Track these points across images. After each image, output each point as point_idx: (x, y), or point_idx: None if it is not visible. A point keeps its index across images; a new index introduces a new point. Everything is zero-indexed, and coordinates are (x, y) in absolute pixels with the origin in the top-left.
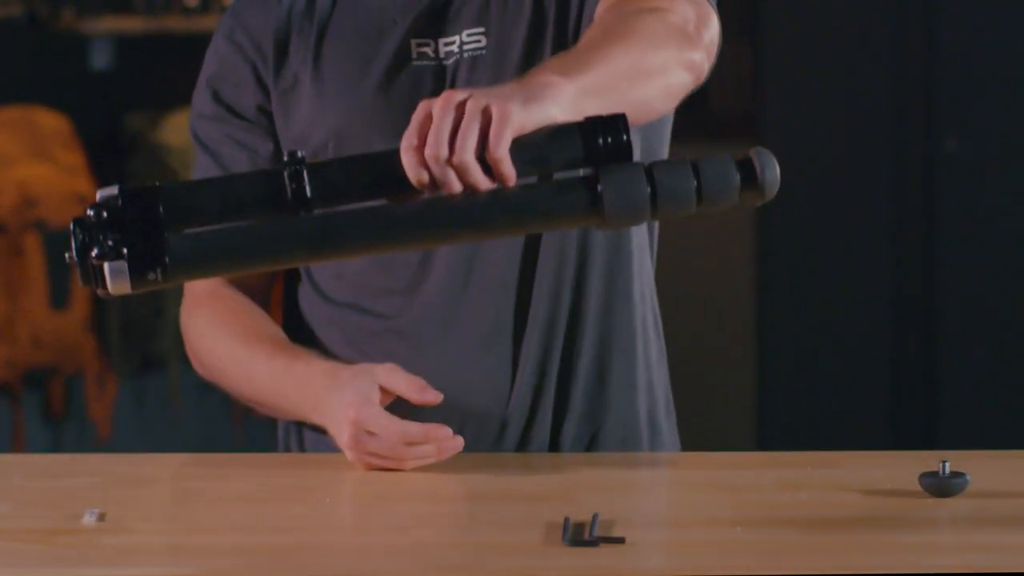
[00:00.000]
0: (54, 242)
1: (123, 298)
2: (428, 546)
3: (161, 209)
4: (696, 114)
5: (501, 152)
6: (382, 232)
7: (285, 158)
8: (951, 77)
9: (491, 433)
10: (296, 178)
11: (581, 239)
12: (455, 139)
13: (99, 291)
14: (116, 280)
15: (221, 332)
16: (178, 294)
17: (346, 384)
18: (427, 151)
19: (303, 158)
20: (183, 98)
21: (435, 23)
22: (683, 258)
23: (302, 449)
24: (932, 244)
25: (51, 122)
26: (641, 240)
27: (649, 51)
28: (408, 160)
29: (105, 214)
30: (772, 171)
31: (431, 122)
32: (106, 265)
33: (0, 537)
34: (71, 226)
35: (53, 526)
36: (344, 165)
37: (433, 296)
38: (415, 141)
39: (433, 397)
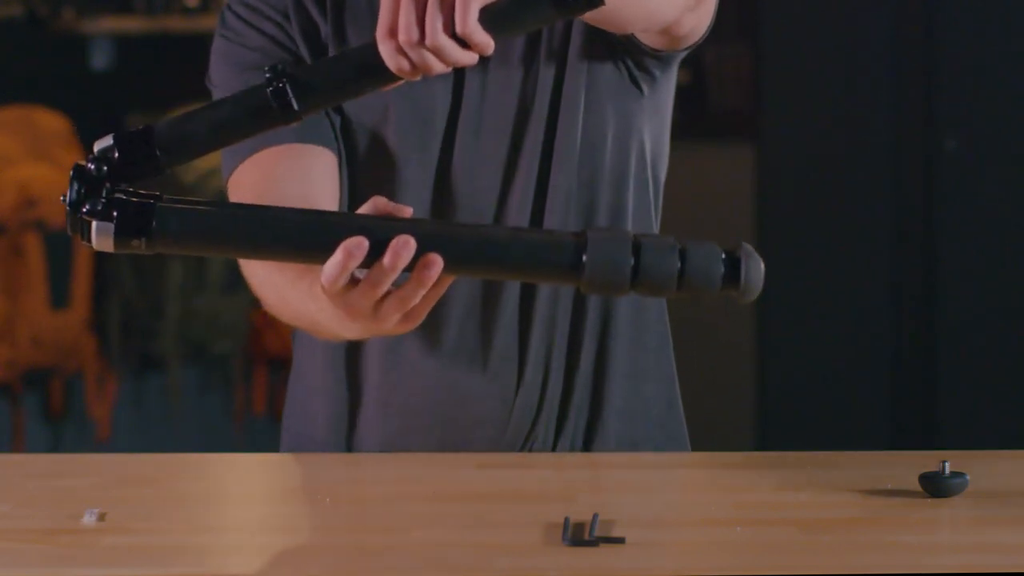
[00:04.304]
0: (54, 242)
1: (123, 298)
2: (428, 546)
3: (157, 151)
4: (696, 114)
5: (470, 27)
6: (368, 248)
7: (267, 75)
8: (951, 77)
9: (496, 433)
10: (280, 95)
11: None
12: (424, 21)
13: (83, 242)
14: (100, 239)
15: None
16: (178, 293)
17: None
18: (400, 37)
19: (283, 69)
20: (183, 98)
21: None
22: None
23: (303, 449)
24: (932, 244)
25: (51, 122)
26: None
27: None
28: (385, 50)
29: (105, 168)
30: (756, 275)
31: (400, 7)
32: (94, 223)
33: (0, 537)
34: (71, 172)
35: (53, 526)
36: (325, 68)
37: (444, 298)
38: (387, 29)
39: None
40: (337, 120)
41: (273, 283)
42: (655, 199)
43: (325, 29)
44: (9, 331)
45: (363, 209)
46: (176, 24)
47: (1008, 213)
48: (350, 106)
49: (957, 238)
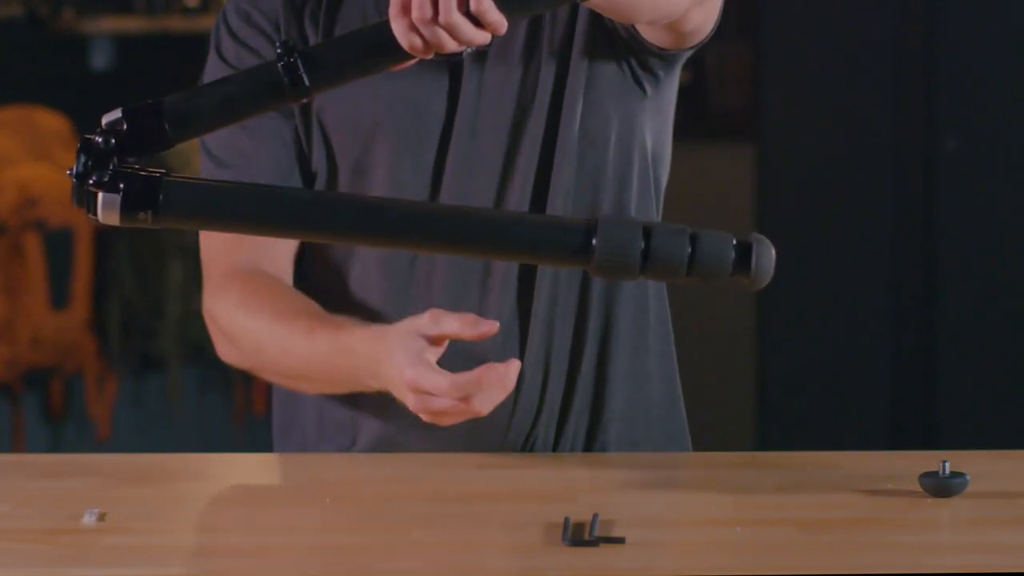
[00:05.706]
0: (54, 242)
1: (123, 298)
2: (428, 546)
3: (166, 126)
4: (697, 114)
5: (484, 5)
6: (374, 227)
7: (278, 49)
8: (951, 77)
9: (497, 432)
10: (291, 69)
11: None
12: None
13: (89, 216)
14: (107, 212)
15: (255, 310)
16: (178, 294)
17: (395, 347)
18: (413, 15)
19: (294, 46)
20: None
21: None
22: None
23: (302, 449)
24: (932, 244)
25: (51, 122)
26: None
27: None
28: (397, 27)
29: (113, 141)
30: (767, 263)
31: None
32: (100, 194)
33: (0, 537)
34: (79, 145)
35: (53, 526)
36: (337, 45)
37: (438, 301)
38: (401, 6)
39: (488, 328)
40: (320, 139)
41: (273, 333)
42: (656, 201)
43: (317, 42)
44: (9, 331)
45: (430, 328)
46: (176, 24)
47: (1008, 213)
48: (346, 107)
49: (957, 238)
